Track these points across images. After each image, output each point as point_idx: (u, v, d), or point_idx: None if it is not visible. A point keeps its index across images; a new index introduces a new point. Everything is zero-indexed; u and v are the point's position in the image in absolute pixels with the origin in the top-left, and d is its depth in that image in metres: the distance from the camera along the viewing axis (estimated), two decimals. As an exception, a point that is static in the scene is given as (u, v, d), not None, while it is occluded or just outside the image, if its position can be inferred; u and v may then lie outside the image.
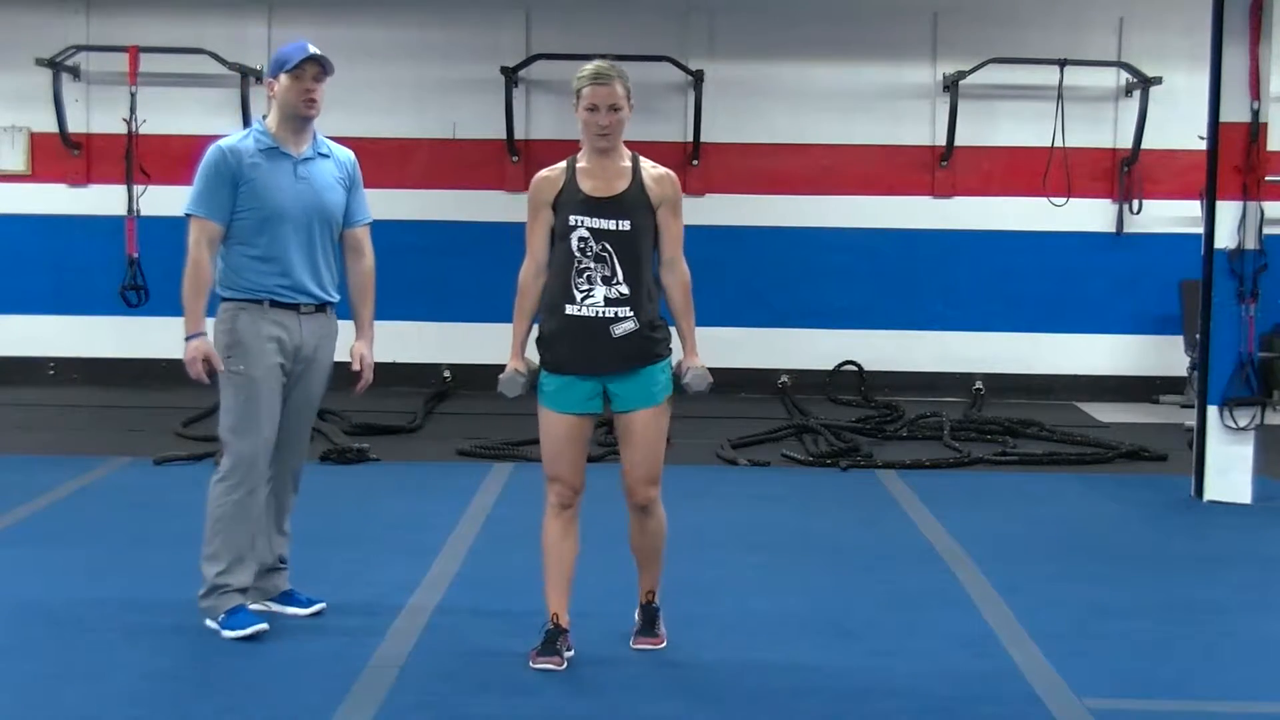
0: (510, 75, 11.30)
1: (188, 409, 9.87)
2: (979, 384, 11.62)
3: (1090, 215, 11.61)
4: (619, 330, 4.93)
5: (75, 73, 11.54)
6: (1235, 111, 7.73)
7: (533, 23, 11.69)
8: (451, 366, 11.72)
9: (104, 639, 5.20)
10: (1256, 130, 7.71)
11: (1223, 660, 5.23)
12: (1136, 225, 11.61)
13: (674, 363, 5.11)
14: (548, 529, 5.09)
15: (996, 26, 11.55)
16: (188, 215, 5.22)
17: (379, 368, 5.74)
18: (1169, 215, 11.50)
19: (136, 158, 10.67)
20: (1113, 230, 11.66)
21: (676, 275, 5.08)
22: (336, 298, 5.45)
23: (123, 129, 10.69)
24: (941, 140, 11.51)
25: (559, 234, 5.00)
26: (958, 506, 7.63)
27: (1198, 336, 8.19)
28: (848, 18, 11.61)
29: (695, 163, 11.34)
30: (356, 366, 5.50)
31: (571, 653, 5.02)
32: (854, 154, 11.73)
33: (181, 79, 11.41)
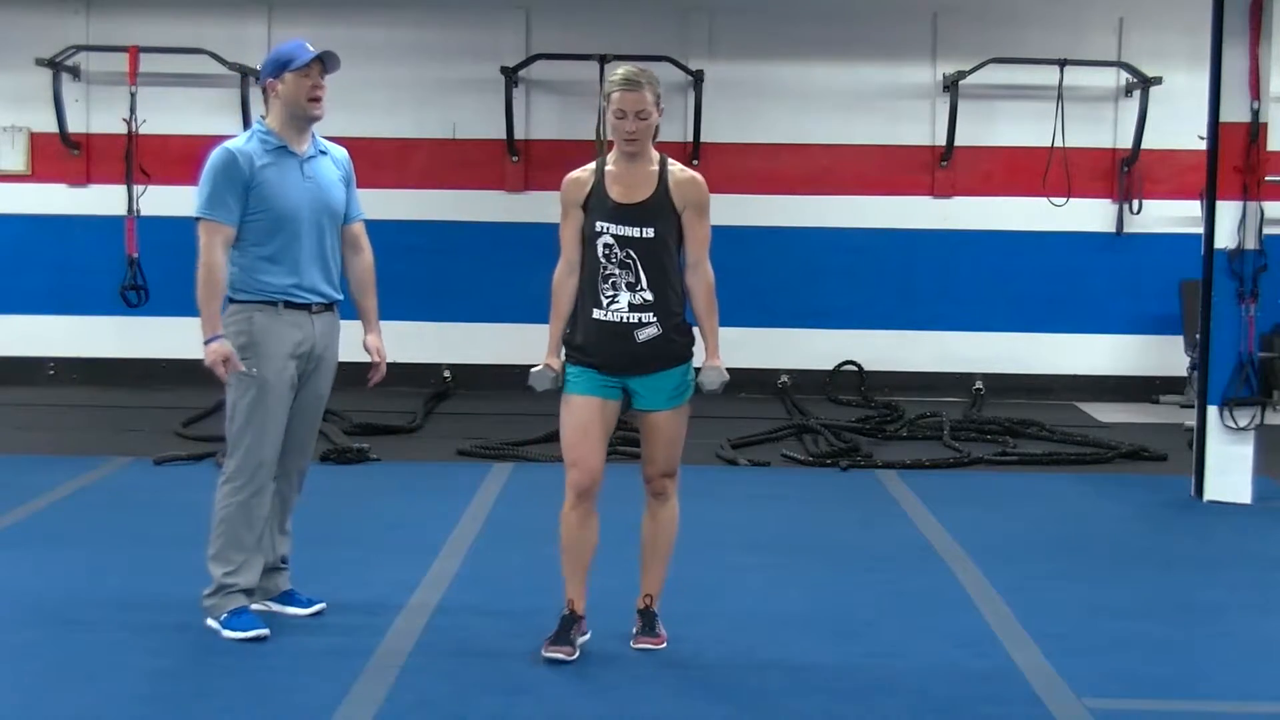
0: (510, 75, 11.30)
1: (188, 409, 9.88)
2: (979, 384, 11.62)
3: (1090, 215, 11.62)
4: (643, 335, 5.03)
5: (75, 73, 11.55)
6: (1235, 111, 7.73)
7: (533, 23, 11.69)
8: (451, 366, 11.72)
9: (104, 639, 5.20)
10: (1256, 130, 7.71)
11: (1223, 660, 5.23)
12: (1136, 225, 11.62)
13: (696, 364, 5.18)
14: (566, 519, 5.15)
15: (996, 26, 11.55)
16: (197, 219, 5.20)
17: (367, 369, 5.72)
18: (1169, 215, 11.50)
19: (136, 158, 10.68)
20: (1113, 230, 11.66)
21: (700, 277, 5.12)
22: (342, 296, 5.46)
23: (123, 129, 10.70)
24: (941, 140, 11.51)
25: (587, 237, 5.08)
26: (958, 506, 7.63)
27: (1198, 336, 8.19)
28: (848, 18, 11.62)
29: (695, 163, 11.33)
30: (376, 358, 5.51)
31: (586, 637, 5.11)
32: (854, 154, 11.74)
33: (181, 79, 11.41)
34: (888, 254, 11.74)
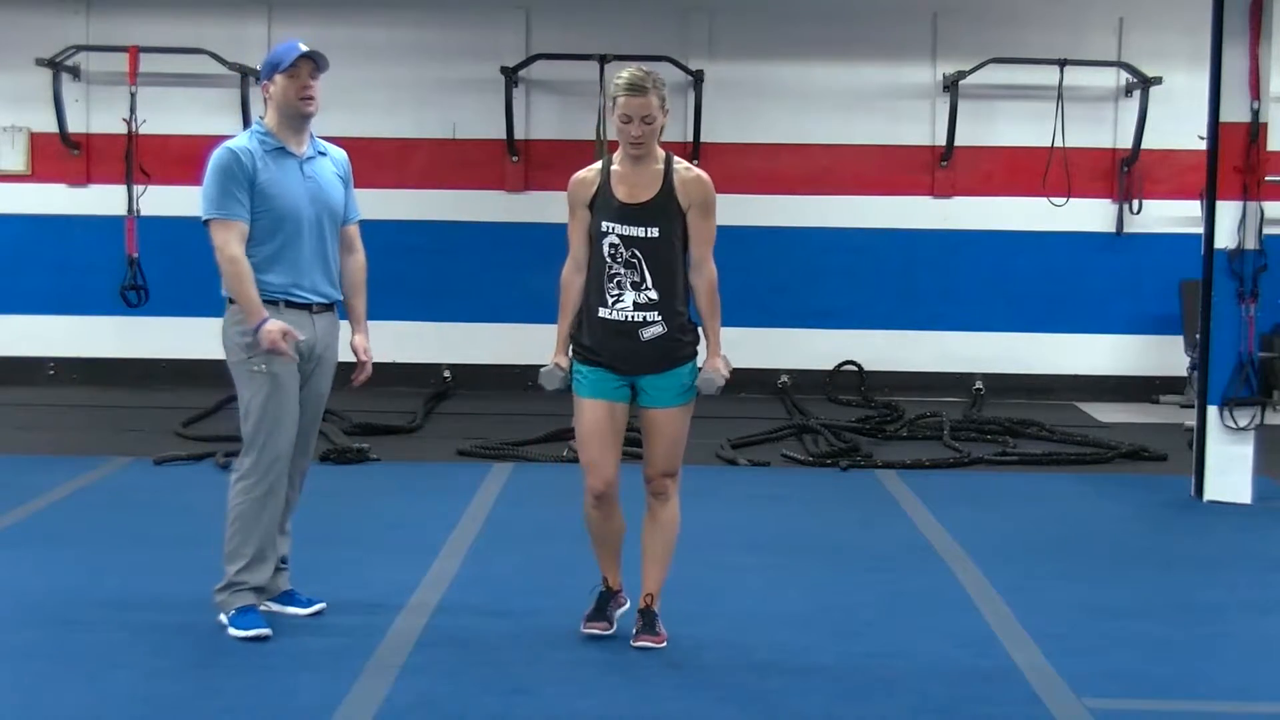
0: (510, 75, 11.30)
1: (188, 409, 9.87)
2: (979, 384, 11.62)
3: (1090, 215, 11.61)
4: (647, 334, 5.07)
5: (75, 73, 11.54)
6: (1235, 111, 7.73)
7: (533, 23, 11.69)
8: (451, 366, 11.71)
9: (104, 639, 5.20)
10: (1256, 130, 7.71)
11: (1223, 660, 5.23)
12: (1136, 225, 11.61)
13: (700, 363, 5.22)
14: (589, 517, 5.25)
15: (996, 26, 11.55)
16: (207, 222, 5.19)
17: (379, 368, 5.76)
18: (1169, 215, 11.50)
19: (136, 158, 10.67)
20: (1113, 230, 11.66)
21: (703, 276, 5.16)
22: (340, 296, 5.48)
23: (123, 129, 10.70)
24: (941, 140, 11.51)
25: (593, 237, 5.12)
26: (958, 506, 7.63)
27: (1198, 336, 8.19)
28: (848, 18, 11.62)
29: (695, 162, 11.31)
30: (363, 357, 5.52)
31: (624, 608, 5.24)
32: (854, 154, 11.73)
33: (181, 79, 11.41)
34: (888, 254, 11.74)
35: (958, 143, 11.46)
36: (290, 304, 5.27)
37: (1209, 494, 7.86)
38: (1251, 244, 7.75)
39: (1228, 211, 7.77)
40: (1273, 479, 8.18)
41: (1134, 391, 11.63)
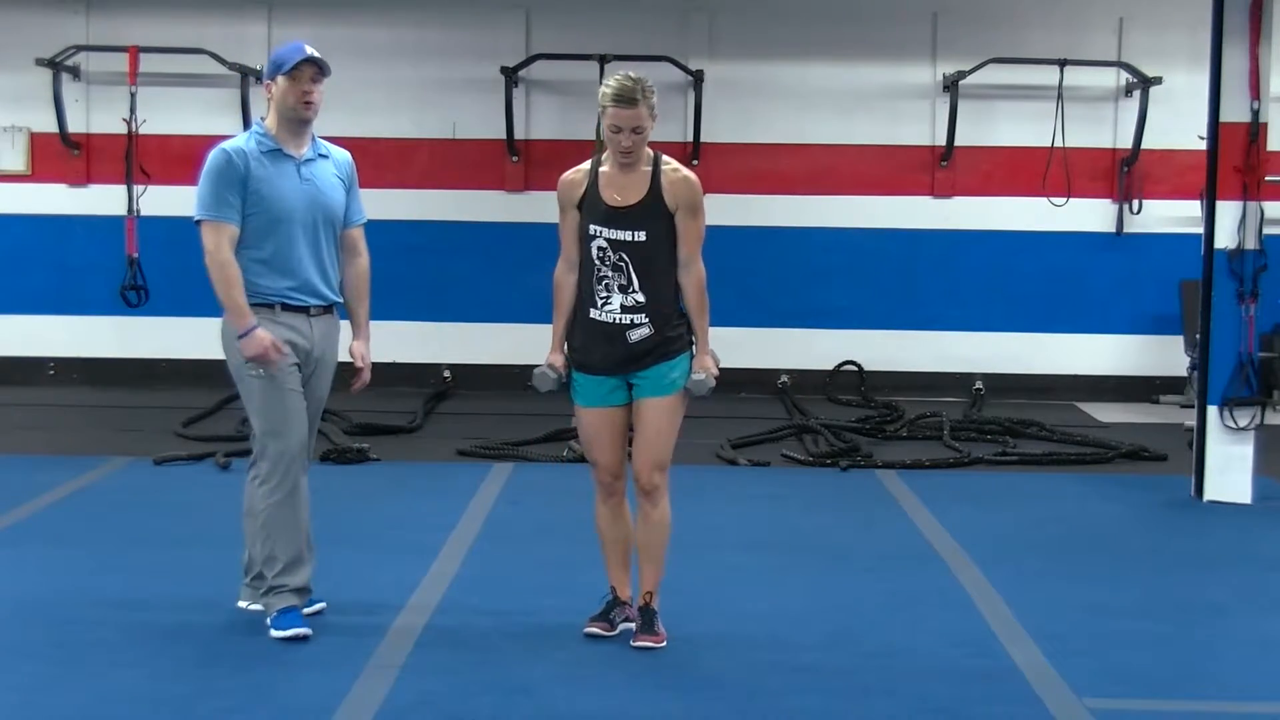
0: (510, 75, 11.30)
1: (188, 409, 9.87)
2: (979, 384, 11.62)
3: (1090, 215, 11.61)
4: (634, 336, 5.09)
5: (75, 73, 11.54)
6: (1235, 111, 7.73)
7: (533, 23, 11.69)
8: (451, 366, 11.71)
9: (104, 639, 5.20)
10: (1256, 130, 7.71)
11: (1223, 660, 5.23)
12: (1136, 225, 11.61)
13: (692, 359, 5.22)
14: (599, 514, 5.33)
15: (996, 26, 11.55)
16: (198, 222, 5.19)
17: (379, 368, 5.77)
18: (1169, 215, 11.50)
19: (136, 158, 10.67)
20: (1113, 230, 11.66)
21: (692, 277, 5.16)
22: (340, 298, 5.46)
23: (123, 129, 10.70)
24: (941, 140, 11.51)
25: (583, 238, 5.13)
26: (958, 506, 7.63)
27: (1198, 336, 8.19)
28: (848, 18, 11.62)
29: (695, 163, 11.31)
30: (360, 364, 5.51)
31: (630, 624, 5.22)
32: (854, 154, 11.73)
33: (181, 79, 11.41)
34: (888, 254, 11.74)
35: (958, 143, 11.45)
36: (287, 307, 5.26)
37: (1209, 494, 7.86)
38: (1251, 244, 7.75)
39: (1228, 211, 7.77)
40: (1273, 479, 8.18)
41: (1134, 391, 11.63)
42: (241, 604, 5.48)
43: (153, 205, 10.62)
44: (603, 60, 11.06)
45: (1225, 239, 7.78)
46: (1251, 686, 4.96)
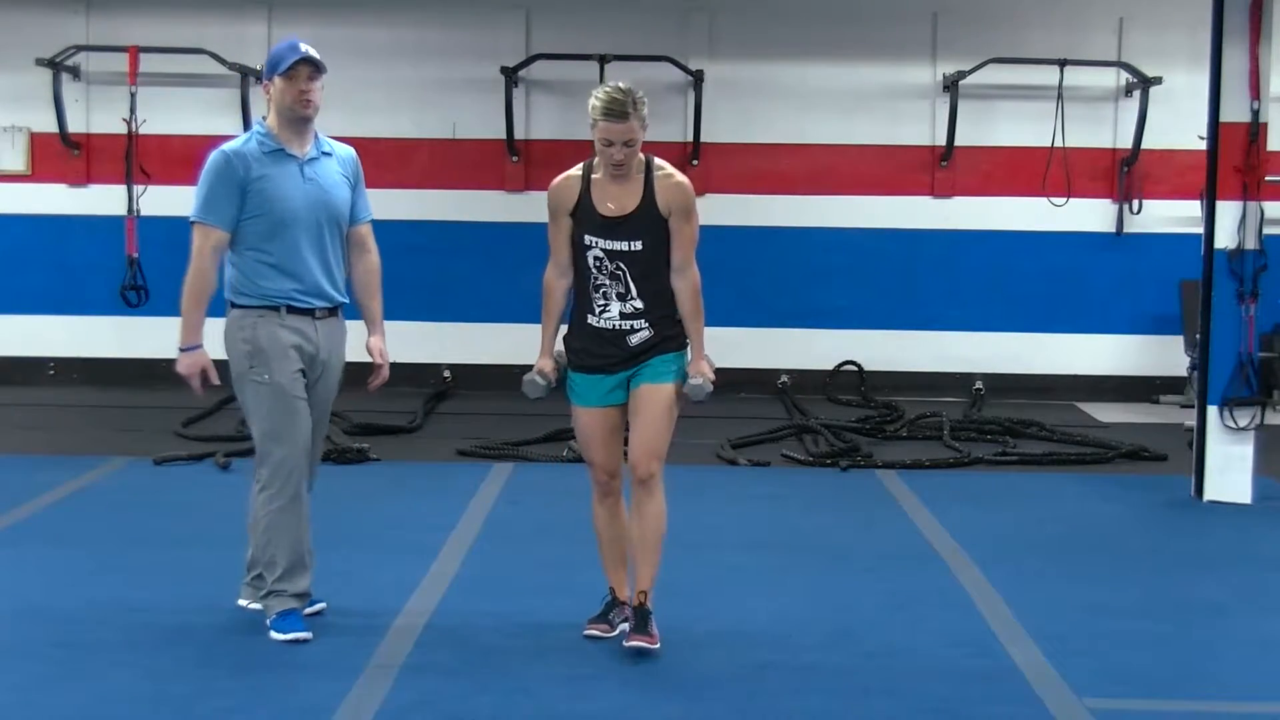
0: (510, 75, 11.30)
1: (188, 409, 9.86)
2: (979, 384, 11.62)
3: (1090, 215, 11.61)
4: (635, 339, 5.10)
5: (75, 73, 11.54)
6: (1235, 111, 7.73)
7: (533, 23, 11.69)
8: (451, 366, 11.72)
9: (104, 639, 5.20)
10: (1256, 130, 7.71)
11: (1223, 660, 5.23)
12: (1136, 225, 11.61)
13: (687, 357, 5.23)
14: (596, 514, 5.33)
15: (996, 26, 11.55)
16: (192, 223, 5.18)
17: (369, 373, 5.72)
18: (1169, 215, 11.50)
19: (136, 158, 10.68)
20: (1113, 230, 11.66)
21: (686, 281, 5.13)
22: (346, 299, 5.42)
23: (123, 129, 10.70)
24: (941, 140, 11.51)
25: (577, 246, 5.11)
26: (958, 506, 7.63)
27: (1198, 336, 8.19)
28: (848, 18, 11.62)
29: (695, 163, 11.33)
30: (380, 360, 5.48)
31: (627, 624, 5.18)
32: (854, 154, 11.73)
33: (181, 79, 11.41)
34: (888, 254, 11.74)
35: (958, 143, 11.46)
36: (292, 309, 5.23)
37: (1209, 494, 7.86)
38: (1251, 244, 7.75)
39: (1228, 211, 7.77)
40: (1273, 479, 8.18)
41: (1134, 391, 11.63)
42: (241, 602, 5.48)
43: (153, 205, 10.63)
44: (603, 60, 11.06)
45: (1225, 239, 7.78)
46: (1251, 686, 4.96)
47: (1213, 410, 7.86)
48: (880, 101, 11.71)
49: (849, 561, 6.55)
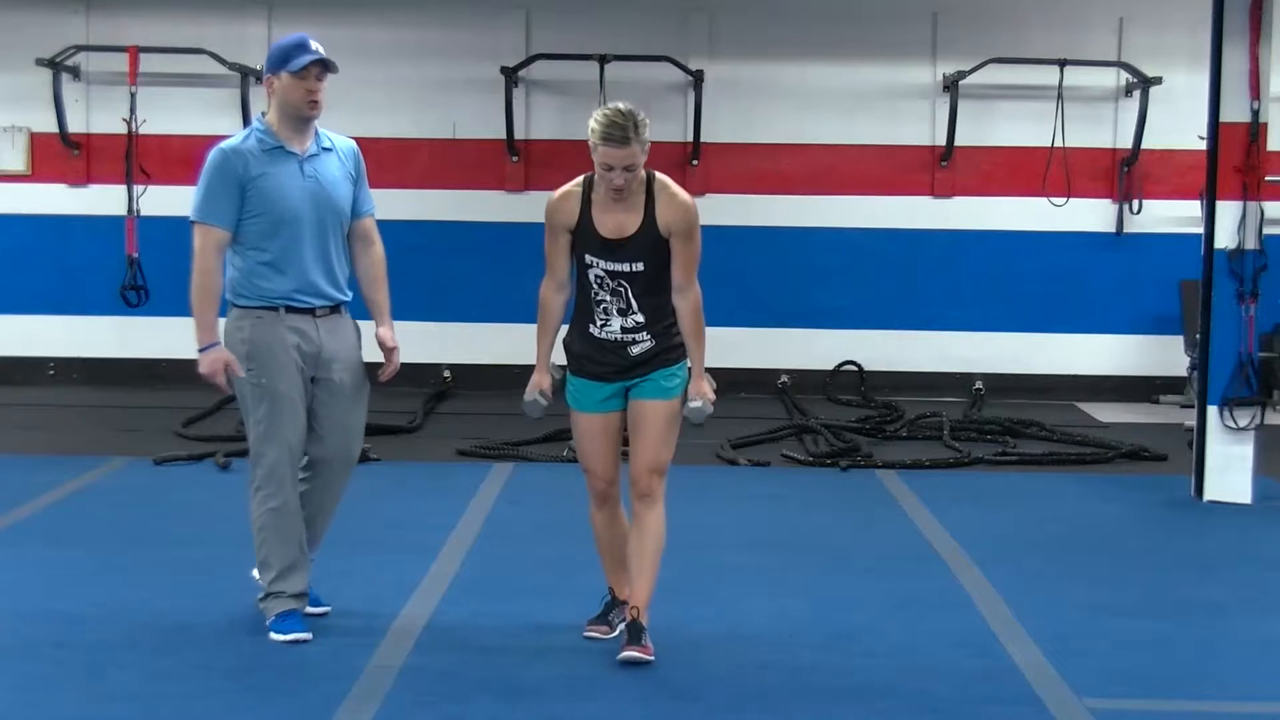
0: (510, 75, 11.29)
1: (188, 409, 9.87)
2: (979, 384, 11.62)
3: (1090, 215, 11.61)
4: (636, 350, 5.07)
5: (75, 73, 11.54)
6: (1235, 111, 7.73)
7: (533, 23, 11.68)
8: (451, 366, 11.72)
9: (104, 639, 5.20)
10: (1256, 130, 7.71)
11: (1223, 660, 5.23)
12: (1136, 225, 11.61)
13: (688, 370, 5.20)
14: (594, 519, 5.31)
15: (996, 26, 11.55)
16: (192, 222, 5.15)
17: (378, 367, 5.71)
18: (1169, 215, 11.50)
19: (136, 158, 10.68)
20: (1113, 230, 11.66)
21: (687, 301, 5.07)
22: (349, 296, 5.36)
23: (123, 129, 10.70)
24: (941, 140, 11.51)
25: (578, 262, 5.08)
26: (958, 506, 7.63)
27: (1198, 336, 8.19)
28: (848, 18, 11.61)
29: (695, 163, 11.33)
30: (390, 344, 5.39)
31: (625, 623, 5.14)
32: (854, 154, 11.73)
33: (181, 79, 11.40)
34: (888, 254, 11.73)
35: (958, 143, 11.45)
36: (292, 309, 5.20)
37: (1209, 494, 7.86)
38: (1251, 244, 7.75)
39: (1228, 211, 7.77)
40: (1273, 479, 8.18)
41: (1134, 391, 11.63)
42: (255, 573, 5.39)
43: (153, 205, 10.63)
44: (603, 60, 11.06)
45: (1225, 239, 7.78)
46: (1251, 686, 4.96)
47: (1213, 410, 7.86)
48: (880, 101, 11.71)
49: (849, 561, 6.55)
